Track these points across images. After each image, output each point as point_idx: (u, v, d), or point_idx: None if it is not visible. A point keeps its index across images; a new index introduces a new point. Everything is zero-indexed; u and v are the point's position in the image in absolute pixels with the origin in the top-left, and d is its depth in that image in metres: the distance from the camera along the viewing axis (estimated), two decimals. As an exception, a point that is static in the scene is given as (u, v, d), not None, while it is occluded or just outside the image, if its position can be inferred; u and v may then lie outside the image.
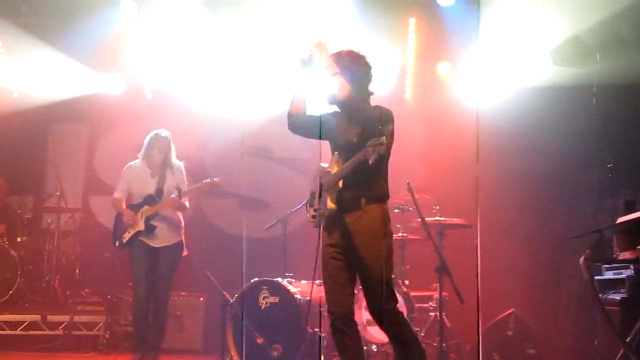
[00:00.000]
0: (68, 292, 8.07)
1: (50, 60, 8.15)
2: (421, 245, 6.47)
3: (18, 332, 7.22)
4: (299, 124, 4.39)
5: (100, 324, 7.29)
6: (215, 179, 6.07)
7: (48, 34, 7.98)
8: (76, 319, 7.29)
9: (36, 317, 7.31)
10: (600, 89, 6.12)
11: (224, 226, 7.59)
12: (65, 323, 7.26)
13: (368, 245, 4.07)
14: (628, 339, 4.22)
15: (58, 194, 8.25)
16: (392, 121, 4.18)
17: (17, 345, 7.06)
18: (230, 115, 7.82)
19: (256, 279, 6.02)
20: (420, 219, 5.95)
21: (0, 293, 7.51)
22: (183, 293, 7.29)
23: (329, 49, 4.25)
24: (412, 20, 7.81)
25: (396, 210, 6.35)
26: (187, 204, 6.16)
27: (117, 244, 6.12)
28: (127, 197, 6.20)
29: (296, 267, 6.34)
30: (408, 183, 5.86)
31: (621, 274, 4.36)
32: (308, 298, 5.94)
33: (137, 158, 6.24)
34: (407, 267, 6.53)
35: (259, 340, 5.75)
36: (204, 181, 6.10)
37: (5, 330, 7.21)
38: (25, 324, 7.26)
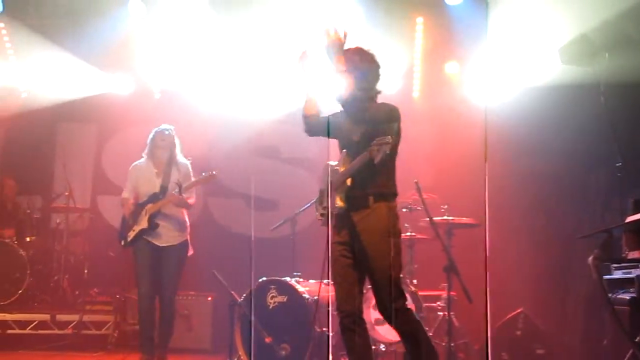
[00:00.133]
0: (77, 292, 8.10)
1: (59, 60, 8.19)
2: (429, 244, 6.46)
3: (27, 331, 7.27)
4: (314, 126, 4.38)
5: (109, 324, 7.33)
6: (212, 172, 6.05)
7: (57, 34, 8.01)
8: (85, 318, 7.33)
9: (45, 317, 7.35)
10: (608, 88, 6.09)
11: (232, 226, 7.60)
12: (75, 322, 7.30)
13: (376, 244, 4.07)
14: (637, 339, 4.20)
15: (67, 194, 8.28)
16: (398, 119, 4.17)
17: (27, 344, 7.09)
18: (238, 115, 7.84)
19: (264, 278, 6.03)
20: (428, 219, 5.94)
21: (9, 292, 7.53)
22: (191, 292, 7.31)
23: (342, 45, 4.22)
24: (420, 20, 7.80)
25: (404, 210, 6.34)
26: (191, 201, 6.12)
27: (122, 243, 6.14)
28: (135, 197, 6.22)
29: (304, 267, 6.34)
30: (416, 182, 5.85)
31: (630, 273, 4.33)
32: (316, 297, 5.94)
33: (143, 156, 6.25)
34: (415, 266, 6.52)
35: (267, 340, 5.75)
36: (202, 175, 6.09)
37: (15, 329, 7.26)
38: (34, 323, 7.30)
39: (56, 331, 7.29)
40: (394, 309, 4.10)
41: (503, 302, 6.32)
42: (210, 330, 7.25)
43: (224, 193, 7.68)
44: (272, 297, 5.96)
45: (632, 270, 4.34)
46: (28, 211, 8.35)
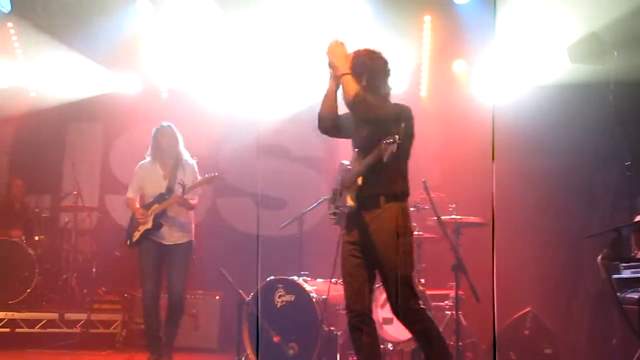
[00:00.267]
0: (85, 291, 8.12)
1: (67, 60, 8.22)
2: (437, 243, 6.45)
3: (36, 330, 7.29)
4: (330, 125, 4.37)
5: (117, 322, 7.35)
6: (215, 174, 6.05)
7: (64, 34, 8.04)
8: (93, 317, 7.35)
9: (54, 315, 7.37)
10: (617, 86, 6.06)
11: (239, 225, 7.60)
12: (83, 321, 7.32)
13: (388, 244, 4.06)
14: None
15: (75, 193, 8.31)
16: (410, 118, 4.17)
17: (35, 343, 7.12)
18: (246, 114, 7.83)
19: (272, 277, 6.03)
20: (436, 218, 5.93)
21: (18, 291, 7.56)
22: (199, 291, 7.33)
23: (346, 49, 4.23)
24: (428, 18, 7.77)
25: (412, 209, 6.30)
26: (193, 202, 6.11)
27: (128, 243, 6.15)
28: (141, 197, 6.23)
29: (312, 266, 6.35)
30: (424, 181, 5.84)
31: (639, 272, 4.32)
32: (324, 296, 5.94)
33: (148, 156, 6.24)
34: (423, 265, 6.51)
35: (275, 339, 5.75)
36: (205, 176, 6.10)
37: (24, 328, 7.28)
38: (43, 322, 7.32)
39: (64, 330, 7.31)
40: (407, 309, 4.10)
41: (511, 301, 6.30)
42: (218, 329, 7.26)
43: (232, 192, 7.69)
44: (280, 296, 5.96)
45: (641, 269, 4.32)
46: (36, 210, 8.38)
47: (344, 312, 5.32)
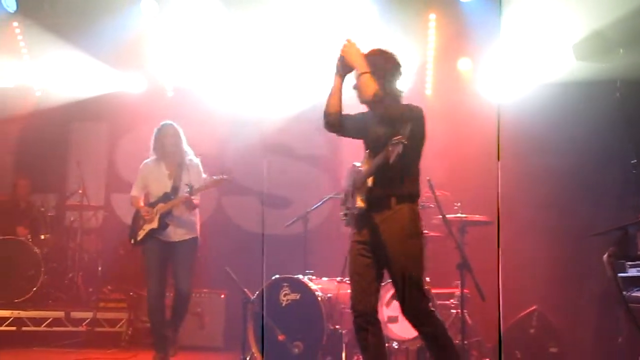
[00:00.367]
0: (91, 289, 8.15)
1: (72, 59, 8.23)
2: (442, 242, 6.44)
3: (42, 328, 7.31)
4: (336, 123, 4.35)
5: (123, 321, 7.36)
6: (224, 176, 6.05)
7: (70, 33, 8.05)
8: (99, 315, 7.36)
9: (60, 314, 7.39)
10: (623, 84, 6.04)
11: (244, 224, 7.62)
12: (88, 320, 7.34)
13: (399, 246, 4.06)
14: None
15: (80, 192, 8.34)
16: (420, 119, 4.15)
17: (41, 341, 7.14)
18: (251, 113, 7.84)
19: (277, 276, 6.03)
20: (441, 216, 5.92)
21: (24, 290, 7.58)
22: (204, 290, 7.33)
23: (359, 48, 4.22)
24: (433, 16, 7.76)
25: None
26: (196, 201, 6.09)
27: (132, 242, 6.16)
28: (145, 196, 6.23)
29: (317, 264, 6.35)
30: (429, 180, 5.83)
31: (645, 271, 4.31)
32: (329, 295, 5.95)
33: (151, 156, 6.24)
34: (428, 264, 6.49)
35: (280, 337, 5.76)
36: (213, 178, 6.09)
37: (30, 326, 7.30)
38: (49, 321, 7.34)
39: (70, 328, 7.33)
40: (417, 311, 4.10)
41: (516, 299, 6.29)
42: (223, 328, 7.26)
43: (237, 191, 7.69)
44: (285, 295, 5.96)
45: (647, 268, 4.31)
46: (42, 209, 8.40)
47: (349, 310, 5.33)
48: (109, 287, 7.94)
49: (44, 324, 7.32)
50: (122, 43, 7.96)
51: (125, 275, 7.85)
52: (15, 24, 8.28)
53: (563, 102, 6.92)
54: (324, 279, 6.27)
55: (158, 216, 6.00)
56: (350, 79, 4.27)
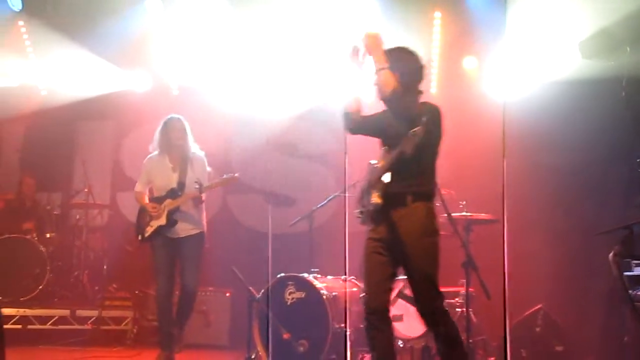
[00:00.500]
0: (96, 287, 8.17)
1: (78, 58, 8.25)
2: (447, 240, 6.38)
3: (48, 326, 7.33)
4: (356, 123, 4.34)
5: (128, 319, 7.37)
6: (234, 175, 6.04)
7: (75, 32, 8.07)
8: (104, 313, 7.38)
9: (65, 312, 7.41)
10: (629, 82, 6.02)
11: (250, 222, 7.62)
12: (94, 318, 7.35)
13: (415, 244, 4.05)
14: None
15: (86, 190, 8.35)
16: (436, 116, 4.14)
17: (47, 339, 7.16)
18: (256, 112, 7.84)
19: (282, 274, 6.04)
20: (446, 215, 5.90)
21: (30, 288, 7.61)
22: (209, 288, 7.34)
23: (382, 40, 4.18)
24: (438, 14, 7.75)
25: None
26: (202, 197, 6.07)
27: (139, 238, 6.14)
28: (149, 190, 6.22)
29: (322, 263, 6.34)
30: (434, 178, 5.82)
31: (651, 270, 4.30)
32: (334, 293, 5.95)
33: (155, 150, 6.22)
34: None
35: (285, 336, 5.76)
36: (223, 176, 6.08)
37: (35, 324, 7.32)
38: (54, 319, 7.36)
39: (76, 326, 7.35)
40: (433, 309, 4.10)
41: (522, 298, 6.27)
42: (228, 326, 7.27)
43: (242, 189, 7.69)
44: (290, 293, 5.97)
45: (653, 266, 4.30)
46: (48, 207, 8.43)
47: (354, 309, 5.32)
48: (115, 286, 7.97)
49: (50, 322, 7.34)
50: (127, 42, 7.98)
51: (130, 273, 7.87)
52: (21, 23, 8.30)
53: (569, 100, 6.90)
54: (329, 277, 6.27)
55: (166, 213, 5.99)
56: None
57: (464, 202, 6.30)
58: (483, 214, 6.28)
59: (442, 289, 6.27)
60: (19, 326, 7.26)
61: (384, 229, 4.16)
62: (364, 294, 4.26)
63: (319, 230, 6.61)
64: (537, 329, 6.19)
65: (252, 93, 8.07)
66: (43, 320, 7.35)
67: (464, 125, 7.59)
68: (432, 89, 8.01)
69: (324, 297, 5.82)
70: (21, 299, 7.51)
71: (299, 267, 6.19)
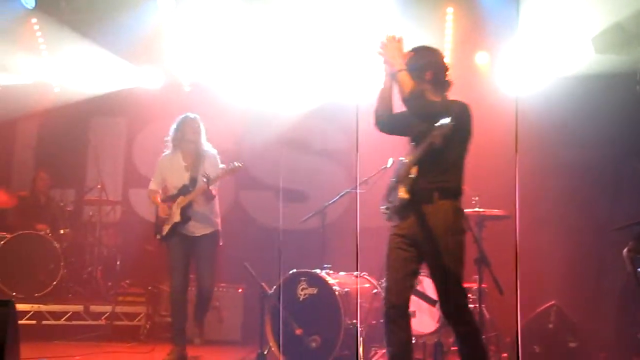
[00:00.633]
0: (110, 283, 8.22)
1: (91, 55, 8.28)
2: (460, 236, 6.40)
3: (62, 322, 7.38)
4: (386, 122, 4.36)
5: (141, 315, 7.40)
6: (237, 164, 6.02)
7: (88, 29, 8.09)
8: (118, 309, 7.41)
9: (79, 308, 7.45)
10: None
11: (262, 218, 7.63)
12: (108, 313, 7.39)
13: (440, 241, 4.03)
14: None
15: (99, 187, 8.39)
16: (464, 112, 4.16)
17: (61, 334, 7.20)
18: (268, 108, 7.85)
19: (294, 270, 6.04)
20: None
21: (44, 284, 7.66)
22: (222, 284, 7.36)
23: (402, 44, 4.21)
24: (450, 10, 7.72)
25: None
26: (213, 192, 6.05)
27: (157, 237, 6.17)
28: (163, 189, 6.25)
29: (334, 259, 6.34)
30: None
31: (665, 265, 4.28)
32: (347, 289, 5.95)
33: (168, 144, 6.24)
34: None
35: (298, 332, 5.77)
36: (228, 166, 6.08)
37: (50, 320, 7.37)
38: (68, 314, 7.41)
39: (89, 322, 7.39)
40: (458, 307, 4.09)
41: (535, 294, 6.25)
42: (241, 322, 7.29)
43: (254, 186, 7.71)
44: (303, 289, 5.97)
45: (668, 262, 4.27)
46: (61, 204, 8.48)
47: (366, 305, 5.32)
48: (128, 281, 8.02)
49: (64, 318, 7.39)
50: (140, 38, 7.99)
51: (143, 269, 7.91)
52: (34, 20, 8.34)
53: (582, 95, 6.86)
54: (342, 273, 6.27)
55: (179, 210, 6.02)
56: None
57: (477, 198, 6.28)
58: (496, 210, 6.26)
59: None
60: (34, 322, 7.31)
61: (409, 225, 4.14)
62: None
63: (331, 226, 6.61)
64: (550, 325, 6.16)
65: (264, 90, 8.07)
66: (57, 315, 7.40)
67: (477, 120, 7.47)
68: (444, 85, 7.98)
69: (337, 293, 5.82)
70: (35, 294, 7.57)
71: (310, 263, 6.19)
